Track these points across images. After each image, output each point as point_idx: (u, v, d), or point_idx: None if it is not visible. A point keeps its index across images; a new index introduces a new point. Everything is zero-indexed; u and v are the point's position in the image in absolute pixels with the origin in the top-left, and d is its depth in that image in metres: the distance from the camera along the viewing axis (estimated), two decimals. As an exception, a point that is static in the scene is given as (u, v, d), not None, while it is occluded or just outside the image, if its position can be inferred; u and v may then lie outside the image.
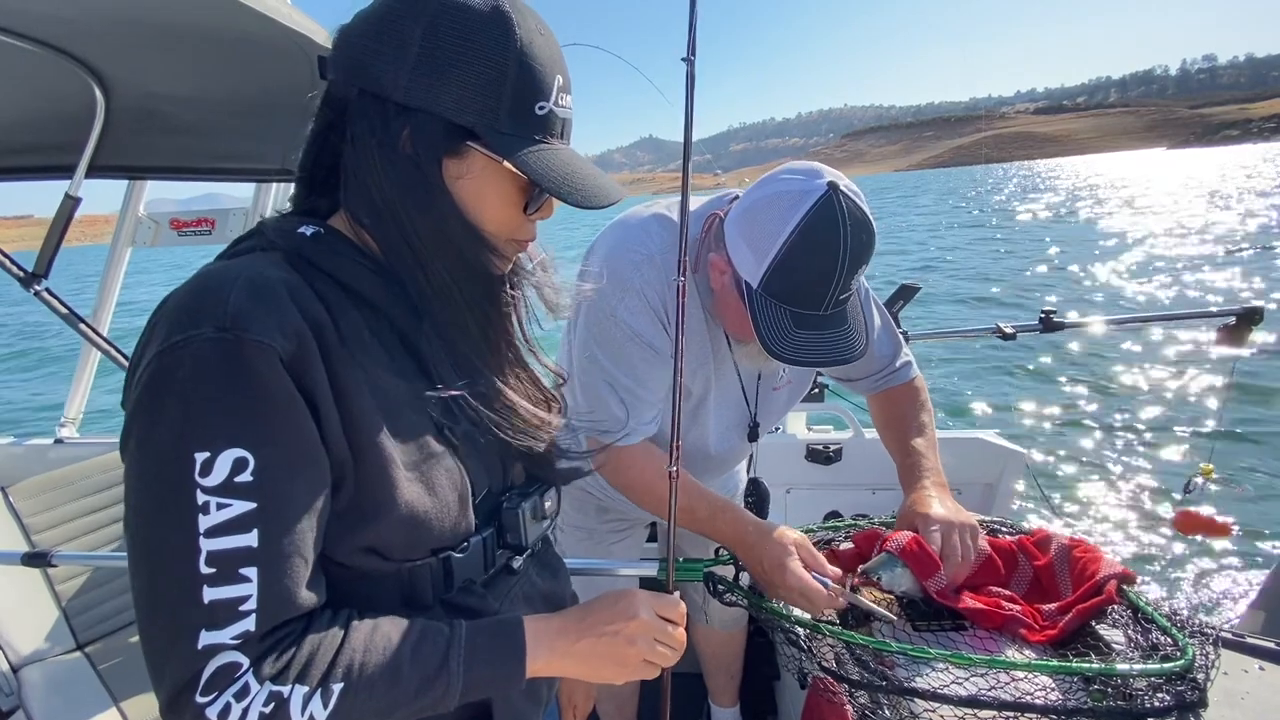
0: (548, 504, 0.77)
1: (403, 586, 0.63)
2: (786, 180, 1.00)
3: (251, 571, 0.50)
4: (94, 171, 1.65)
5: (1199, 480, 2.06)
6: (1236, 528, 2.10)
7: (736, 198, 1.15)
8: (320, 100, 0.64)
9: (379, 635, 0.57)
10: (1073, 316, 2.43)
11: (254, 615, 0.50)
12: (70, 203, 1.65)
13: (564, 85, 0.63)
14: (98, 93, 1.45)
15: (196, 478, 0.49)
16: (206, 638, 0.49)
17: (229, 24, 1.14)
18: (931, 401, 1.36)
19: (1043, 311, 2.41)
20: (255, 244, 0.63)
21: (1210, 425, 5.25)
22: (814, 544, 1.16)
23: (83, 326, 1.84)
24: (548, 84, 0.61)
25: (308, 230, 0.63)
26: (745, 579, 1.06)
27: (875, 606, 0.95)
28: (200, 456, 0.49)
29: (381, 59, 0.58)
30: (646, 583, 1.28)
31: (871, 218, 0.97)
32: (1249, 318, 2.22)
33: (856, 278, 0.97)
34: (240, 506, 0.50)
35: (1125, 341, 7.40)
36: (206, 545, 0.49)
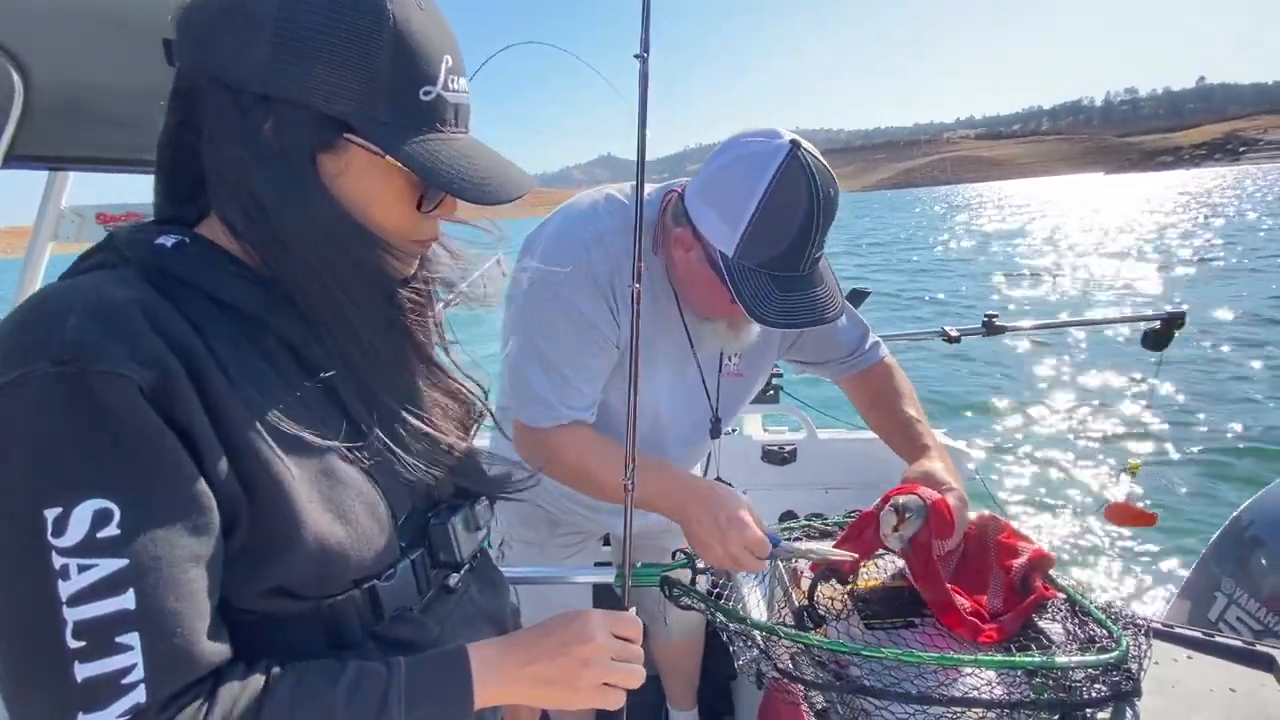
0: (481, 513, 0.71)
1: (325, 625, 0.57)
2: (747, 143, 0.98)
3: (132, 637, 0.44)
4: (11, 161, 1.54)
5: (1127, 474, 2.18)
6: (1160, 517, 2.23)
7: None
8: (170, 91, 0.57)
9: (305, 686, 0.51)
10: (1013, 322, 2.53)
11: (142, 686, 0.44)
12: (-17, 194, 1.53)
13: (454, 66, 0.57)
14: (15, 78, 1.36)
15: (49, 539, 0.42)
16: None
17: (155, 7, 1.08)
18: None
19: (985, 316, 2.50)
20: (103, 259, 0.55)
21: (1139, 422, 5.55)
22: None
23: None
24: (433, 66, 0.55)
25: (168, 240, 0.55)
26: (702, 583, 1.06)
27: (811, 548, 1.00)
28: (50, 514, 0.43)
29: (231, 42, 0.51)
30: (601, 593, 1.26)
31: (831, 171, 0.98)
32: (1172, 322, 2.37)
33: (828, 233, 0.97)
34: (108, 565, 0.43)
35: (1063, 343, 7.77)
36: (71, 615, 0.42)
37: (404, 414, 0.62)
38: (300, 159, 0.54)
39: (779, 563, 1.17)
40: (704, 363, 1.22)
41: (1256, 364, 7.00)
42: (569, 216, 1.12)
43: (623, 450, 1.06)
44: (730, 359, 1.26)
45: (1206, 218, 29.14)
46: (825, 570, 1.05)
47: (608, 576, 1.15)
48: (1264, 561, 1.41)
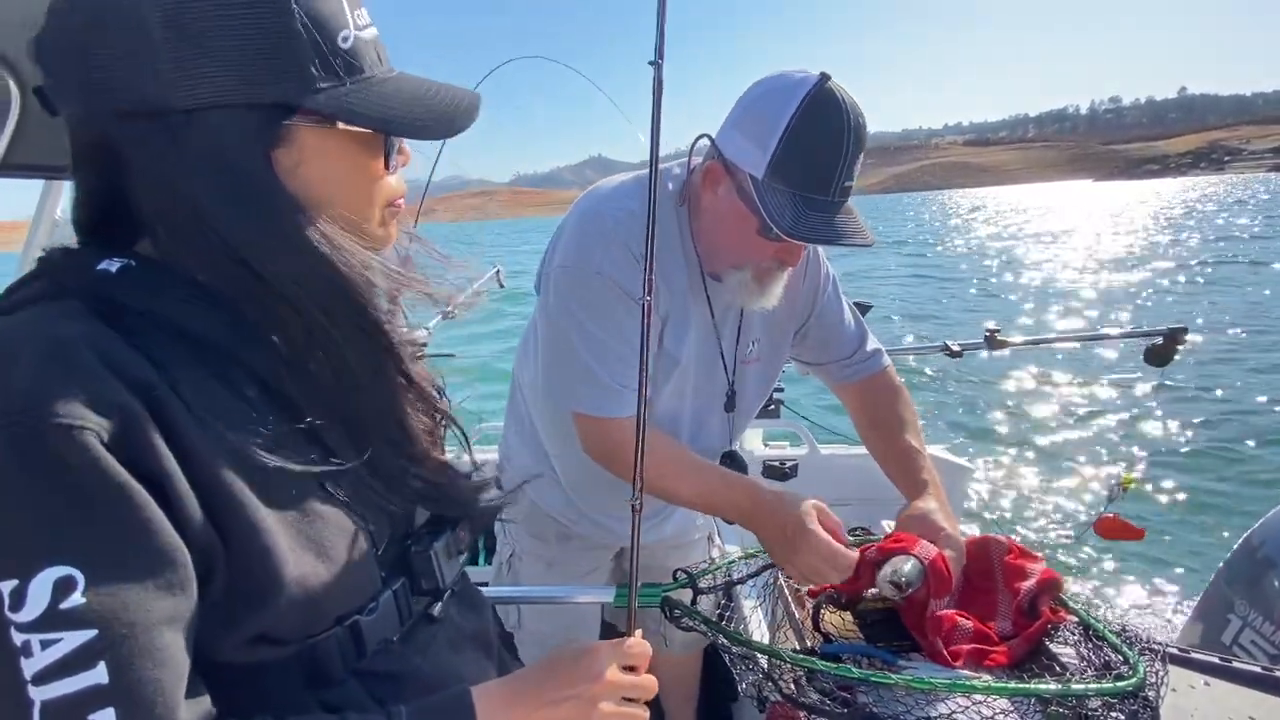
0: (463, 536, 0.68)
1: (305, 667, 0.53)
2: (777, 77, 1.01)
3: (106, 714, 0.40)
4: (7, 170, 1.53)
5: (1120, 489, 2.16)
6: (1155, 535, 2.19)
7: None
8: (69, 144, 0.50)
9: None
10: (1015, 336, 2.51)
11: None
12: (-22, 203, 1.52)
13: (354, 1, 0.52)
14: (12, 86, 1.36)
15: (7, 614, 0.39)
16: None
17: None
18: None
19: (987, 330, 2.48)
20: (40, 289, 0.49)
21: (1140, 436, 5.53)
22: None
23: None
24: (339, 10, 0.50)
25: (111, 266, 0.49)
26: (704, 604, 1.03)
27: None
28: (6, 587, 0.39)
29: (121, 62, 0.45)
30: (606, 624, 1.23)
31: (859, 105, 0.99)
32: (1175, 337, 2.35)
33: (858, 163, 0.99)
34: (76, 638, 0.39)
35: (1066, 359, 7.74)
36: (38, 696, 0.39)
37: (383, 439, 0.58)
38: (255, 167, 0.49)
39: (780, 578, 1.15)
40: (724, 335, 1.21)
41: (1259, 376, 6.97)
42: (595, 199, 1.12)
43: (690, 456, 1.08)
44: (750, 345, 1.25)
45: (1205, 228, 29.31)
46: (828, 595, 1.02)
47: (606, 596, 1.12)
48: (1277, 583, 1.38)
